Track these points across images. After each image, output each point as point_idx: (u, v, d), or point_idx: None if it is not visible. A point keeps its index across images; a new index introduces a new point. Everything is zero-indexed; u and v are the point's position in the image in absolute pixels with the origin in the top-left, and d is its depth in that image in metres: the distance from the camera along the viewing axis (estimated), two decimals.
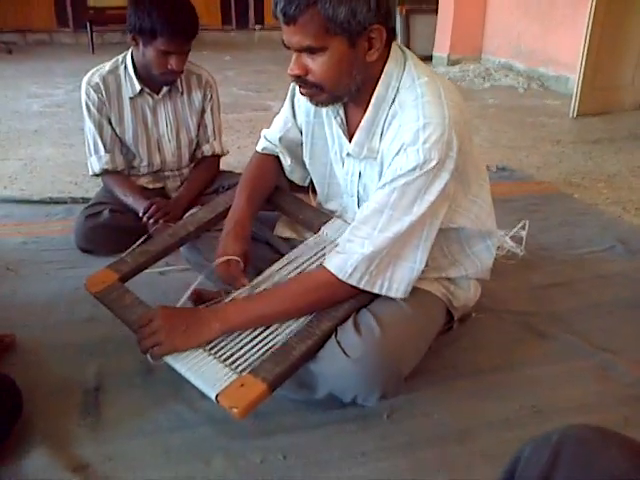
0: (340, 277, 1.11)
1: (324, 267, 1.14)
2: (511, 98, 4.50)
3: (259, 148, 1.47)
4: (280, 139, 1.40)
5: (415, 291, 1.20)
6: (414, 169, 1.07)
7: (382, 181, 1.12)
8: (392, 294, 1.14)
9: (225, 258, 1.26)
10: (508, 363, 1.36)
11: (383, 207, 1.09)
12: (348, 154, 1.23)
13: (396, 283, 1.13)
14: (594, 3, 3.58)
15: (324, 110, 1.28)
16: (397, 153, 1.09)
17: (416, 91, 1.11)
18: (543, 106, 4.25)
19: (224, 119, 2.30)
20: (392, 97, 1.14)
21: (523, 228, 1.97)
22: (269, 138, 1.44)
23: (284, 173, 1.48)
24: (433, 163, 1.06)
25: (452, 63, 5.55)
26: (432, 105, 1.09)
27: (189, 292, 1.23)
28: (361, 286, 1.12)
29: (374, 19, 1.05)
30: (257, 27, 7.64)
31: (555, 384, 1.29)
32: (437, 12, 5.86)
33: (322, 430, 1.15)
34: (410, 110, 1.10)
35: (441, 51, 5.73)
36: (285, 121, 1.39)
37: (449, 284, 1.32)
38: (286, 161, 1.43)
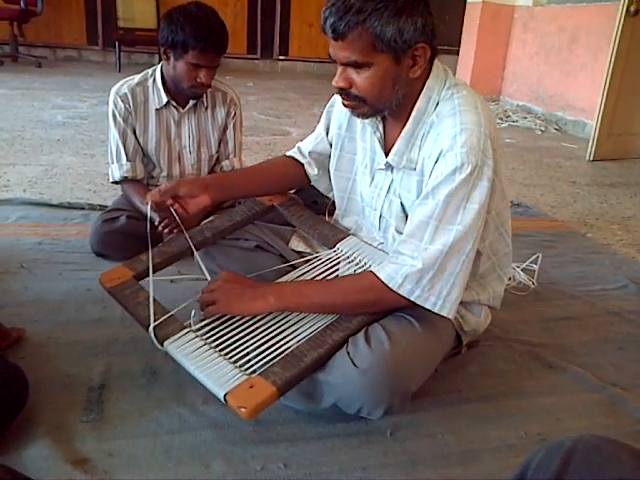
0: (391, 286, 1.12)
1: (374, 274, 1.14)
2: (528, 139, 4.54)
3: (287, 153, 1.51)
4: (310, 152, 1.45)
5: (426, 311, 1.21)
6: (453, 173, 1.08)
7: (424, 191, 1.13)
8: (444, 313, 1.14)
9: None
10: (515, 391, 1.35)
11: (428, 219, 1.11)
12: (387, 164, 1.24)
13: (449, 303, 1.13)
14: (614, 52, 3.64)
15: (358, 124, 1.32)
16: (437, 160, 1.12)
17: (454, 102, 1.15)
18: (560, 148, 4.28)
19: (244, 141, 2.33)
20: (432, 109, 1.17)
21: (535, 262, 1.97)
22: (301, 149, 1.49)
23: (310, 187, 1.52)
24: (471, 167, 1.08)
25: None
26: (469, 113, 1.12)
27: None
28: (412, 299, 1.12)
29: (420, 38, 1.08)
30: (281, 57, 7.79)
31: (562, 414, 1.28)
32: (458, 53, 5.97)
33: (324, 442, 1.14)
34: (448, 119, 1.13)
35: None
36: (317, 134, 1.45)
37: (460, 308, 1.31)
38: (313, 171, 1.47)
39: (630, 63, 3.71)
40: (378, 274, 1.14)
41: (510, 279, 1.88)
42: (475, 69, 5.71)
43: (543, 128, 4.91)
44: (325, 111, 1.43)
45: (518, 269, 1.93)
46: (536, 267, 1.95)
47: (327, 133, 1.42)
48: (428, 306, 1.13)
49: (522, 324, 1.65)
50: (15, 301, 1.57)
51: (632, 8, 3.56)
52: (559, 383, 1.39)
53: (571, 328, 1.65)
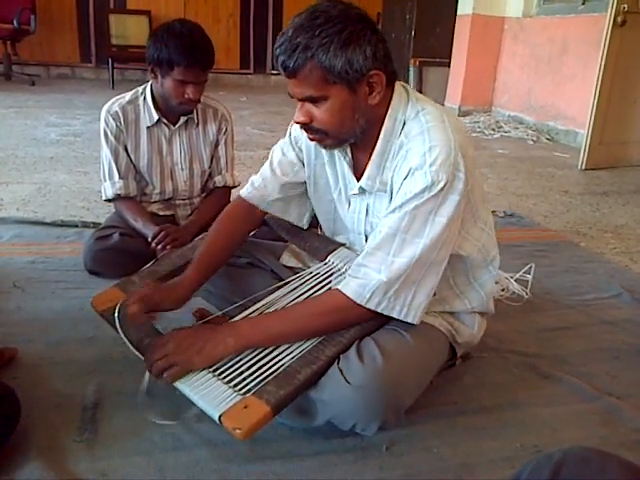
0: (358, 302, 1.12)
1: (340, 291, 1.14)
2: (520, 149, 4.56)
3: (246, 194, 1.41)
4: (283, 185, 1.37)
5: (419, 324, 1.21)
6: (423, 191, 1.09)
7: (392, 206, 1.13)
8: (409, 319, 1.14)
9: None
10: (511, 402, 1.34)
11: (395, 231, 1.11)
12: (361, 189, 1.24)
13: (414, 310, 1.14)
14: (603, 60, 3.67)
15: (324, 151, 1.31)
16: (405, 177, 1.12)
17: (420, 120, 1.15)
18: (552, 158, 4.30)
19: (237, 156, 2.33)
20: (399, 130, 1.17)
21: (529, 272, 1.97)
22: (265, 193, 1.38)
23: None
24: (441, 185, 1.08)
25: (463, 114, 5.66)
26: (437, 129, 1.12)
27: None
28: (379, 310, 1.13)
29: (372, 65, 1.09)
30: (274, 72, 7.84)
31: (558, 425, 1.27)
32: (450, 65, 6.02)
33: (320, 459, 1.13)
34: (416, 137, 1.13)
35: (453, 102, 5.85)
36: (291, 164, 1.36)
37: (453, 320, 1.31)
38: (278, 209, 1.40)
39: (619, 72, 3.75)
40: (344, 290, 1.14)
41: (504, 290, 1.88)
42: (466, 80, 5.74)
43: (535, 138, 4.94)
44: (286, 142, 1.38)
45: (512, 279, 1.93)
46: (530, 277, 1.95)
47: (300, 160, 1.36)
48: (394, 315, 1.14)
49: (516, 335, 1.65)
50: (8, 320, 1.57)
51: (619, 18, 3.60)
52: (555, 393, 1.39)
53: (566, 338, 1.65)
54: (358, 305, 1.12)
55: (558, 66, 5.00)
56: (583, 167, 3.92)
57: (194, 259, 1.34)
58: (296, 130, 1.34)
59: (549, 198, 3.20)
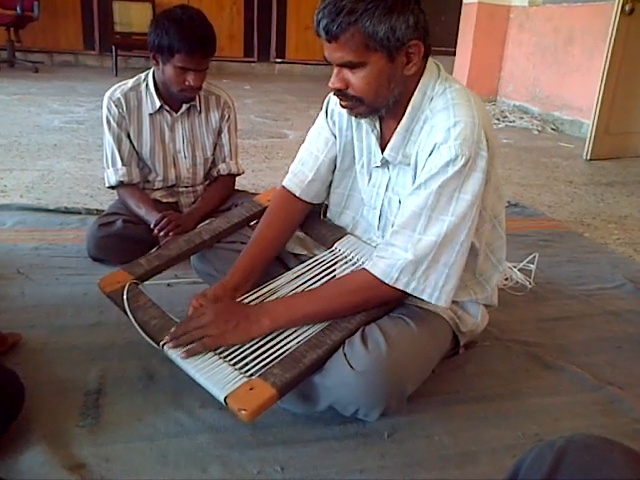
0: (387, 282, 1.13)
1: (368, 271, 1.15)
2: (525, 139, 4.54)
3: (286, 182, 1.42)
4: (319, 164, 1.38)
5: (423, 312, 1.22)
6: (447, 165, 1.09)
7: (417, 182, 1.14)
8: (441, 303, 1.15)
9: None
10: (513, 391, 1.35)
11: (421, 209, 1.11)
12: (384, 160, 1.24)
13: (445, 294, 1.14)
14: (610, 51, 3.64)
15: (354, 124, 1.32)
16: (430, 153, 1.12)
17: (446, 97, 1.15)
18: (557, 148, 4.28)
19: (240, 144, 2.32)
20: (426, 106, 1.18)
21: (532, 261, 1.97)
22: (301, 171, 1.40)
23: None
24: (464, 159, 1.08)
25: None
26: (462, 106, 1.13)
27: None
28: (409, 291, 1.14)
29: (412, 35, 1.09)
30: (278, 60, 7.80)
31: (559, 414, 1.28)
32: (455, 54, 5.98)
33: (321, 445, 1.14)
34: (441, 113, 1.14)
35: None
36: (326, 140, 1.37)
37: (457, 308, 1.31)
38: (317, 192, 1.41)
39: (626, 62, 3.72)
40: (372, 271, 1.14)
41: (507, 279, 1.88)
42: (472, 70, 5.72)
43: (540, 128, 4.91)
44: (321, 119, 1.38)
45: (515, 269, 1.93)
46: (533, 267, 1.95)
47: (334, 136, 1.36)
48: (425, 297, 1.14)
49: (519, 324, 1.65)
50: (12, 306, 1.57)
51: (627, 7, 3.57)
52: (556, 383, 1.39)
53: (568, 328, 1.65)
54: (386, 285, 1.13)
55: (564, 56, 4.97)
56: (588, 157, 3.91)
57: (244, 252, 1.34)
58: (333, 103, 1.35)
59: (553, 188, 3.19)
